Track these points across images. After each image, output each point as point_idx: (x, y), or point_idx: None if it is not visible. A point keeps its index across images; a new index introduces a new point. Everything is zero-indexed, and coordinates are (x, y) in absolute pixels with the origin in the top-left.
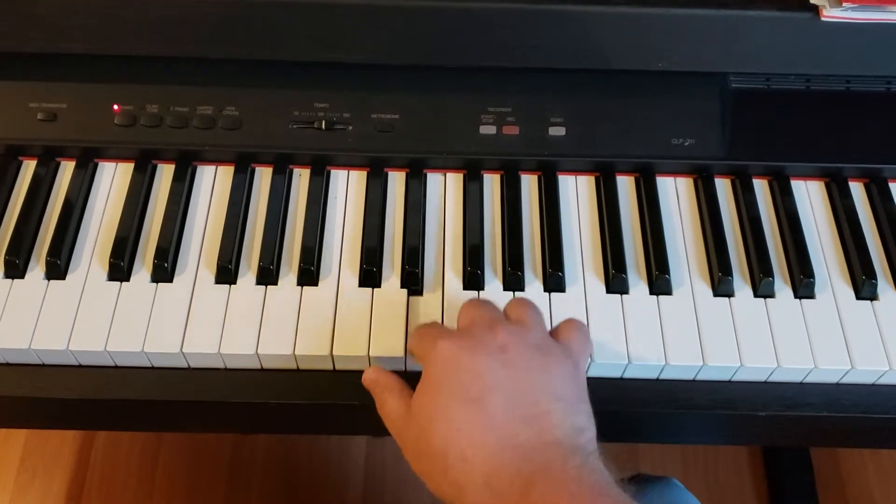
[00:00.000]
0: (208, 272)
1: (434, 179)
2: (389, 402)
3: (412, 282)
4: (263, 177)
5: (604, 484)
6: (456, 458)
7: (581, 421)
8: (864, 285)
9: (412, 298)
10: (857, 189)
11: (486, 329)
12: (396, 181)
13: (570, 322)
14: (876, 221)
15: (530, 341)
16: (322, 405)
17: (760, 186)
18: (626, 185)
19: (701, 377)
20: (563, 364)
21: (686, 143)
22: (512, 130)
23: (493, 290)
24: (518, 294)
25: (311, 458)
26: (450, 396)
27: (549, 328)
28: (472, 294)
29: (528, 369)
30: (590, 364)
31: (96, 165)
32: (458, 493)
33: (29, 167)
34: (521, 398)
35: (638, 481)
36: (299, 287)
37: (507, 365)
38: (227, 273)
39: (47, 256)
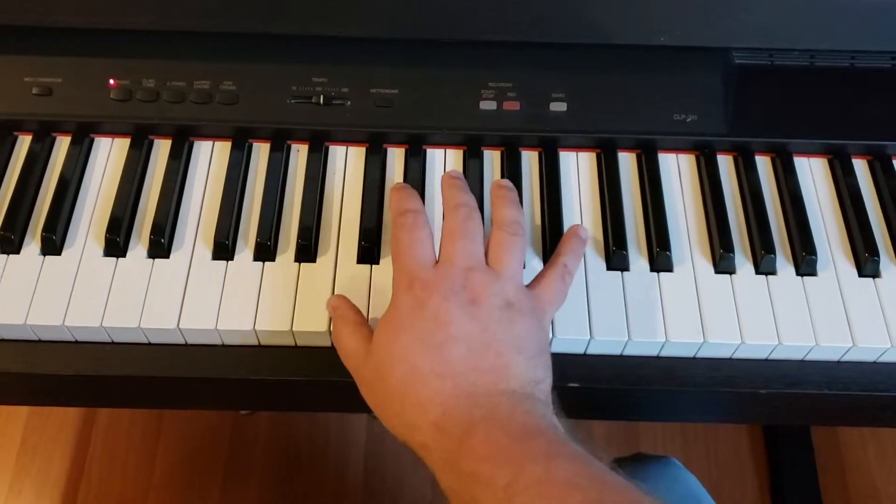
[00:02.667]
0: (205, 248)
1: (434, 155)
2: (345, 334)
3: None
4: (261, 152)
5: (545, 426)
6: (411, 402)
7: (539, 373)
8: (866, 262)
9: None
10: (860, 166)
11: (461, 274)
12: (396, 157)
13: (551, 273)
14: (879, 198)
15: (502, 294)
16: (320, 382)
17: (763, 163)
18: (627, 162)
19: (701, 354)
20: (528, 318)
21: (688, 120)
22: (512, 106)
23: None
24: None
25: (311, 437)
26: (413, 339)
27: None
28: None
29: (495, 322)
30: (589, 341)
31: (92, 141)
32: (410, 430)
33: (24, 142)
34: (483, 350)
35: (637, 460)
36: (297, 263)
37: (475, 318)
38: (224, 249)
39: (43, 232)
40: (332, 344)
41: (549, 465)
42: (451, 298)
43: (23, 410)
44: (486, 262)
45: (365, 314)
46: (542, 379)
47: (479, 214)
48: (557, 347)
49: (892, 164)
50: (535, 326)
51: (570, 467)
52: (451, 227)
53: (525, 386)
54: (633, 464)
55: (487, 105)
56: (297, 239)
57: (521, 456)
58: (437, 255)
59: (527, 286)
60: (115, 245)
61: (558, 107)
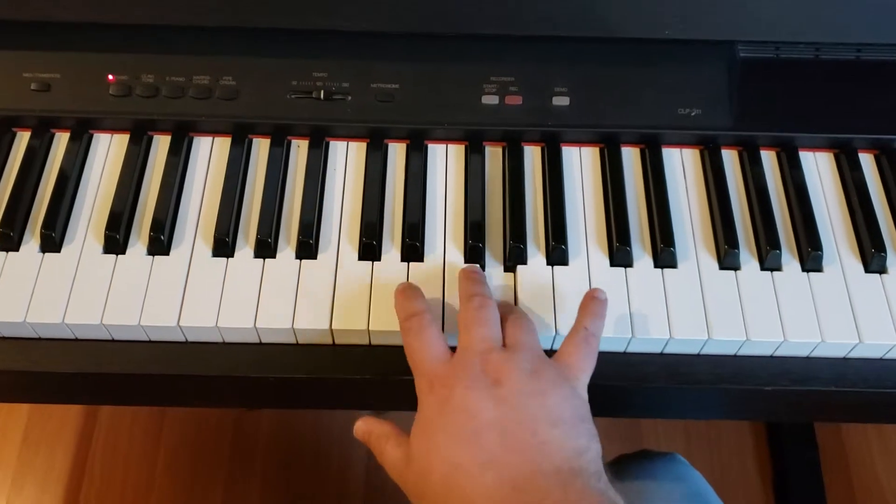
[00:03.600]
0: (205, 245)
1: (435, 150)
2: (387, 449)
3: (413, 255)
4: (261, 148)
5: None
6: (457, 498)
7: (582, 443)
8: (873, 258)
9: (413, 272)
10: (866, 160)
11: (478, 359)
12: (397, 152)
13: (573, 339)
14: (886, 193)
15: (525, 367)
16: (322, 380)
17: (768, 158)
18: (631, 157)
19: (706, 351)
20: (559, 387)
21: (693, 114)
22: (515, 100)
23: (495, 264)
24: (520, 268)
25: (313, 434)
26: (445, 436)
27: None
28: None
29: (524, 397)
30: None
31: (91, 137)
32: None
33: (23, 138)
34: (517, 430)
35: (642, 457)
36: (298, 260)
37: (501, 401)
38: (224, 246)
39: (42, 229)
40: (361, 441)
41: None
42: (474, 386)
43: (25, 406)
44: (503, 345)
45: (367, 312)
46: (586, 448)
47: (493, 303)
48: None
49: None
50: (568, 394)
51: None
52: (465, 317)
53: (570, 460)
54: (638, 461)
55: (489, 99)
56: (298, 235)
57: None
58: (449, 351)
59: (552, 358)
60: (115, 242)
61: (561, 101)
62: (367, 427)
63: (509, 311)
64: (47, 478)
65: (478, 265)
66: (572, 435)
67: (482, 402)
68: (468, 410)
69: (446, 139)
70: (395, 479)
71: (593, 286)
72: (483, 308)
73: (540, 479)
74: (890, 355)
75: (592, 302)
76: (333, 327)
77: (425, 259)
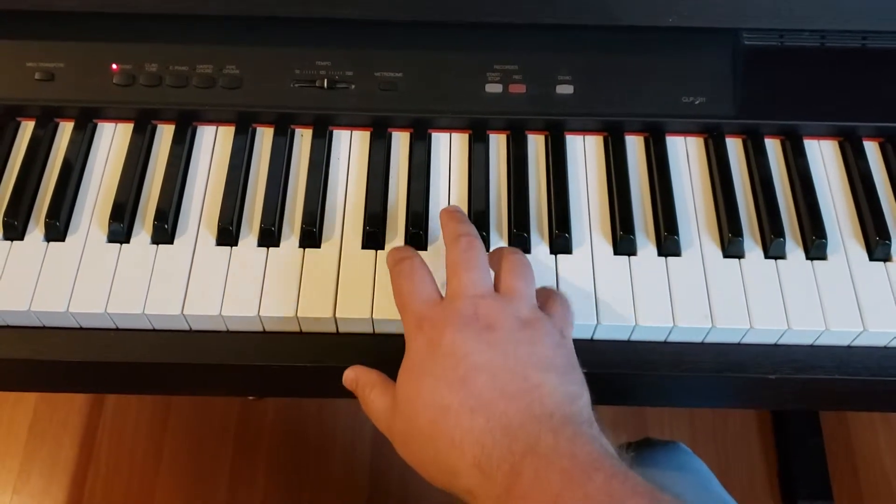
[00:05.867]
0: (209, 234)
1: (439, 139)
2: (373, 398)
3: (416, 243)
4: (265, 137)
5: (598, 455)
6: (445, 444)
7: (574, 389)
8: (877, 246)
9: None
10: (871, 149)
11: (470, 303)
12: (400, 141)
13: (549, 293)
14: (891, 182)
15: (517, 315)
16: (325, 368)
17: (772, 146)
18: (634, 145)
19: (710, 340)
20: (550, 334)
21: (697, 102)
22: (518, 89)
23: None
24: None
25: (319, 422)
26: (433, 379)
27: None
28: None
29: (516, 343)
30: (596, 326)
31: (95, 126)
32: (451, 477)
33: (27, 128)
34: (508, 374)
35: (645, 446)
36: (301, 249)
37: (493, 343)
38: (228, 235)
39: (46, 218)
40: (364, 411)
41: None
42: (465, 329)
43: (31, 396)
44: (497, 290)
45: (370, 300)
46: (578, 394)
47: (480, 243)
48: None
49: None
50: (558, 341)
51: None
52: (454, 259)
53: (562, 406)
54: (641, 449)
55: (493, 88)
56: (302, 224)
57: (581, 501)
58: (441, 293)
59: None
60: (119, 231)
61: (565, 89)
62: (354, 375)
63: (508, 252)
64: (54, 467)
65: (458, 205)
66: (564, 381)
67: (473, 346)
68: (458, 353)
69: (450, 128)
70: (381, 429)
71: (597, 275)
72: (471, 249)
73: (531, 423)
74: (894, 343)
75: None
76: (337, 316)
77: (429, 248)
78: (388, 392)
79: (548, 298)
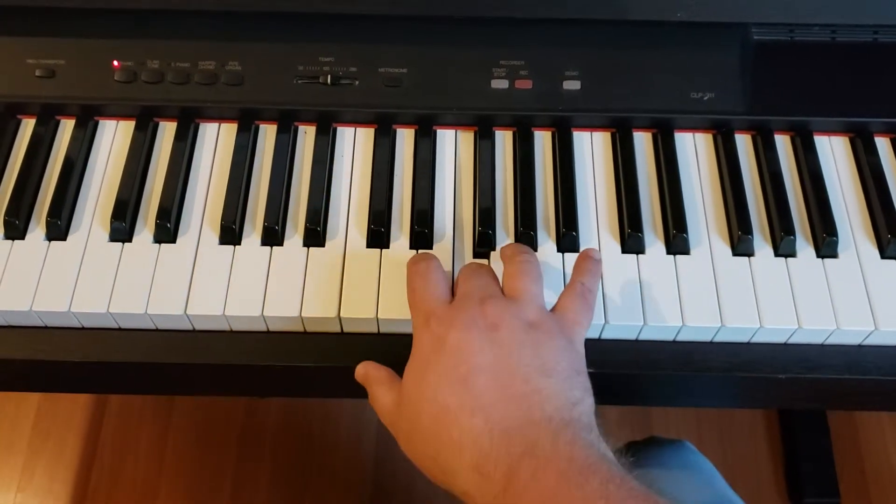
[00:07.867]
0: (212, 232)
1: (444, 136)
2: (380, 394)
3: (422, 242)
4: (268, 134)
5: (595, 460)
6: (445, 443)
7: (575, 394)
8: (889, 244)
9: None
10: (883, 145)
11: (477, 304)
12: (405, 138)
13: (570, 294)
14: None
15: (523, 317)
16: (330, 367)
17: (782, 142)
18: (642, 142)
19: (719, 339)
20: (554, 338)
21: (706, 98)
22: (525, 84)
23: None
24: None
25: (323, 422)
26: (437, 376)
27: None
28: (484, 255)
29: (519, 345)
30: (604, 326)
31: (96, 123)
32: (449, 477)
33: (28, 126)
34: (509, 377)
35: (651, 444)
36: (305, 248)
37: (497, 344)
38: (231, 233)
39: (48, 217)
40: (371, 405)
41: None
42: (471, 328)
43: (35, 394)
44: (503, 291)
45: (375, 300)
46: (579, 400)
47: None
48: None
49: None
50: (564, 346)
51: None
52: (464, 270)
53: (561, 410)
54: (646, 447)
55: (499, 84)
56: (306, 223)
57: (577, 502)
58: (451, 296)
59: (550, 310)
60: (121, 230)
61: (572, 85)
62: (364, 370)
63: (517, 252)
64: (57, 465)
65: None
66: (566, 386)
67: (477, 345)
68: (462, 352)
69: (455, 124)
70: (387, 425)
71: (606, 273)
72: (479, 269)
73: (530, 427)
74: None
75: (587, 260)
76: (342, 315)
77: (434, 246)
78: (395, 388)
79: (566, 297)
